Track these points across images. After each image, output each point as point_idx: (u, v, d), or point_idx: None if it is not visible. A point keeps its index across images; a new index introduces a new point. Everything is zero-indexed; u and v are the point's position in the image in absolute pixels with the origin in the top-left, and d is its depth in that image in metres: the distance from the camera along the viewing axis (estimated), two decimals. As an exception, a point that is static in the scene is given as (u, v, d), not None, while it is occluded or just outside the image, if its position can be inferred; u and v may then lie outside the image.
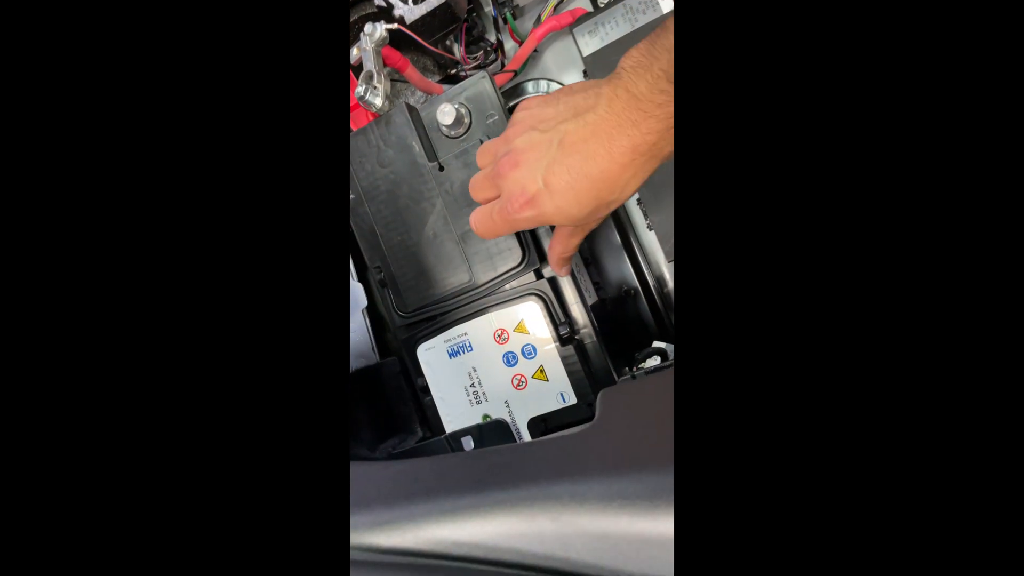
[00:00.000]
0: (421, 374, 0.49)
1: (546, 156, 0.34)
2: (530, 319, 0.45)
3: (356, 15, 0.58)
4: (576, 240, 0.41)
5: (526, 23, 0.63)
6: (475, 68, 0.61)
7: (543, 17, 0.61)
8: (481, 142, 0.45)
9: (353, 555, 0.21)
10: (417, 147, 0.46)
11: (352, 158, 0.48)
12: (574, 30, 0.59)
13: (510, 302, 0.46)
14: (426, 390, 0.49)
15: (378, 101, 0.47)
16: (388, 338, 0.56)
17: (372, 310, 0.55)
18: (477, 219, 0.38)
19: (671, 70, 0.29)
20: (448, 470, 0.26)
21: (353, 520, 0.23)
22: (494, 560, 0.20)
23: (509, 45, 0.63)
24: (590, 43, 0.60)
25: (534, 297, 0.45)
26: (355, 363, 0.53)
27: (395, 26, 0.49)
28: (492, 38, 0.63)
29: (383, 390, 0.52)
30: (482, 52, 0.62)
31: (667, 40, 0.30)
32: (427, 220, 0.47)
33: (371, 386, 0.52)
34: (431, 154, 0.47)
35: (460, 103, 0.46)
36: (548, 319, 0.45)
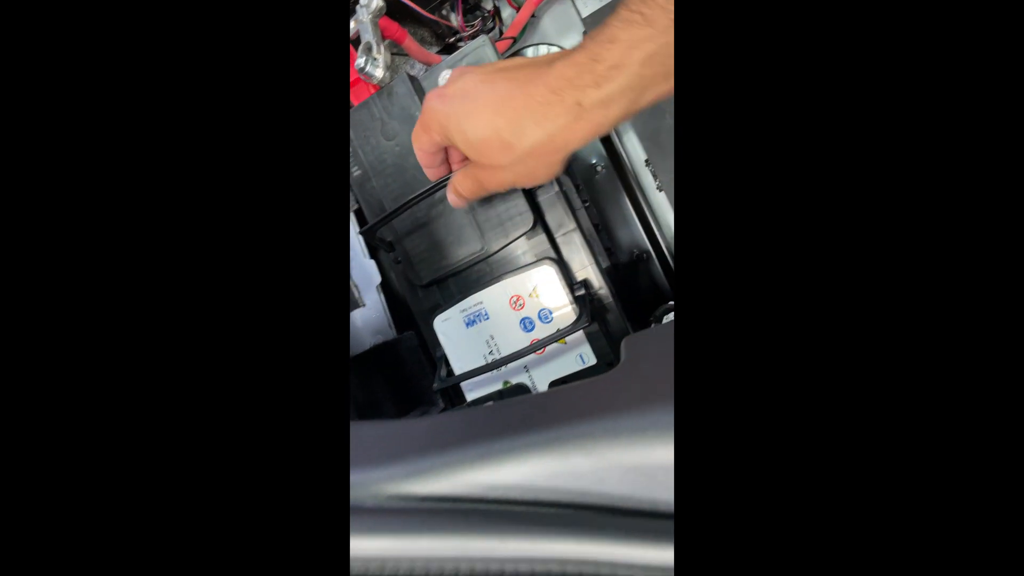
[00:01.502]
0: (439, 345, 0.49)
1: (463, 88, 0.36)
2: (544, 284, 0.45)
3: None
4: (470, 183, 0.39)
5: (522, -10, 0.62)
6: (473, 36, 0.61)
7: (539, -19, 0.60)
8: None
9: (390, 503, 0.22)
10: (421, 117, 0.46)
11: (355, 132, 0.48)
12: (572, -8, 0.58)
13: (524, 268, 0.46)
14: (444, 360, 0.49)
15: (379, 72, 0.46)
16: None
17: (386, 286, 0.55)
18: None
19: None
20: (480, 420, 0.26)
21: (388, 471, 0.23)
22: (531, 500, 0.20)
23: (507, 12, 0.62)
24: (588, 3, 0.59)
25: (548, 262, 0.45)
26: (372, 339, 0.54)
27: (392, -4, 0.49)
28: (489, 5, 0.62)
29: (402, 364, 0.53)
30: (480, 20, 0.61)
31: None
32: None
33: (390, 361, 0.52)
34: (436, 124, 0.46)
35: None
36: (563, 282, 0.45)
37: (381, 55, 0.47)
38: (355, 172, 0.48)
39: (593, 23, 0.56)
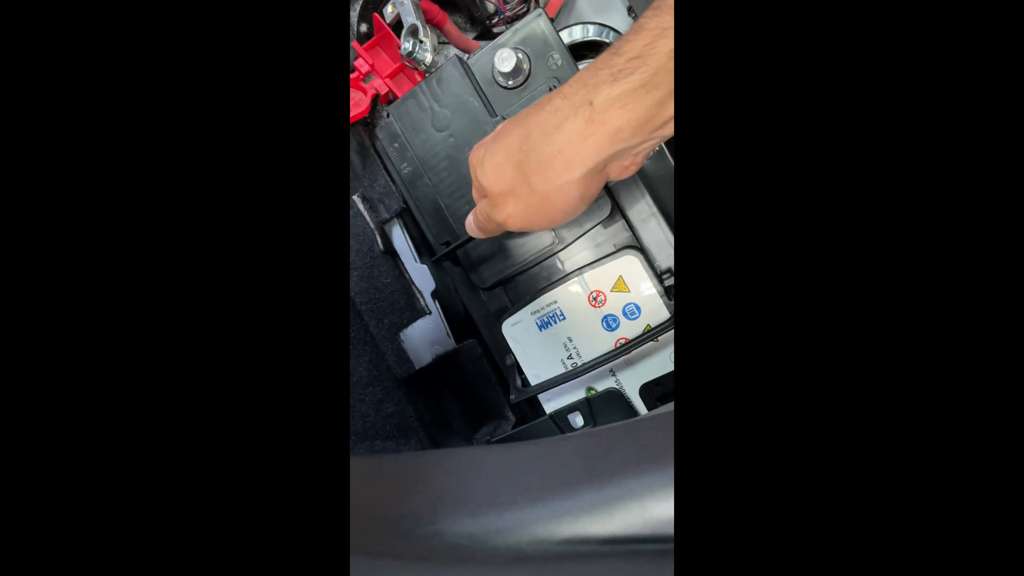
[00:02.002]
0: (509, 351, 0.45)
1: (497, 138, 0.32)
2: (629, 276, 0.41)
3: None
4: (481, 209, 0.35)
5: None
6: (512, 20, 0.57)
7: (573, -44, 0.56)
8: (551, 89, 0.40)
9: (565, 549, 0.17)
10: (477, 103, 0.42)
11: (402, 125, 0.43)
12: (612, -37, 0.54)
13: (604, 260, 0.41)
14: (517, 368, 0.45)
15: (429, 56, 0.42)
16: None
17: (441, 293, 0.50)
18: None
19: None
20: (621, 439, 0.22)
21: (541, 510, 0.19)
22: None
23: (542, -8, 0.58)
24: (632, -25, 0.55)
25: (631, 251, 0.41)
26: (431, 350, 0.49)
27: (434, -26, 0.44)
28: (523, -13, 0.58)
29: (465, 376, 0.48)
30: (518, 1, 0.57)
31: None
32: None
33: (453, 373, 0.48)
34: (492, 109, 0.42)
35: (516, 47, 0.41)
36: (650, 272, 0.40)
37: (428, 38, 0.42)
38: (405, 169, 0.44)
39: (638, -1, 0.52)
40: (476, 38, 0.59)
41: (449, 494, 0.23)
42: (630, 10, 0.55)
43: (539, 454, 0.25)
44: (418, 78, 0.46)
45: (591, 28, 0.57)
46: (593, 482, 0.20)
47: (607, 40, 0.55)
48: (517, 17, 0.57)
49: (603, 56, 0.27)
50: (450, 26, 0.50)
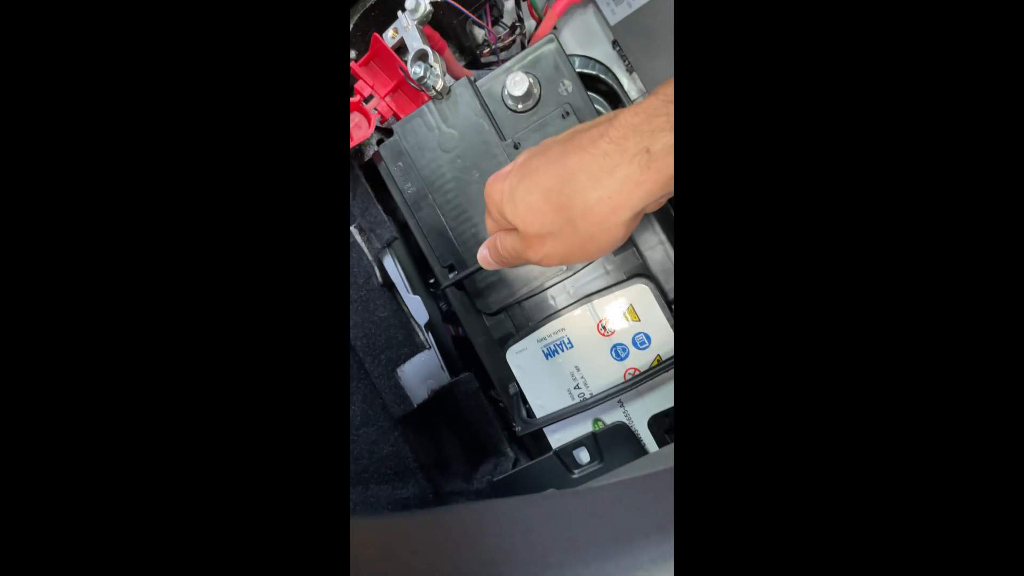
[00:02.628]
0: (513, 380, 0.43)
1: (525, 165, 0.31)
2: (640, 304, 0.40)
3: None
4: (506, 245, 0.34)
5: (539, 1, 0.59)
6: (503, 48, 0.57)
7: (558, -10, 0.57)
8: (565, 115, 0.40)
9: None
10: (487, 125, 0.41)
11: (408, 144, 0.42)
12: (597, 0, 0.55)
13: (613, 288, 0.41)
14: (522, 398, 0.43)
15: (440, 82, 0.41)
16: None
17: (435, 323, 0.48)
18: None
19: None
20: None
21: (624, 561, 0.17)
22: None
23: (529, 24, 0.59)
24: (617, 11, 0.57)
25: (642, 278, 0.40)
26: (425, 385, 0.46)
27: (441, 0, 0.44)
28: (509, 18, 0.59)
29: (462, 412, 0.46)
30: (505, 33, 0.57)
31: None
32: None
33: (449, 409, 0.45)
34: (501, 133, 0.41)
35: (528, 71, 0.41)
36: (661, 300, 0.40)
37: (438, 63, 0.41)
38: (409, 189, 0.42)
39: (624, 30, 0.53)
40: (466, 66, 0.59)
41: (494, 558, 0.21)
42: (615, 44, 0.57)
43: (583, 505, 0.24)
44: (418, 96, 0.45)
45: (576, 60, 0.58)
46: (650, 536, 0.19)
47: (591, 72, 0.56)
48: (505, 48, 0.58)
49: (654, 102, 0.27)
50: (448, 53, 0.50)
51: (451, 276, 0.42)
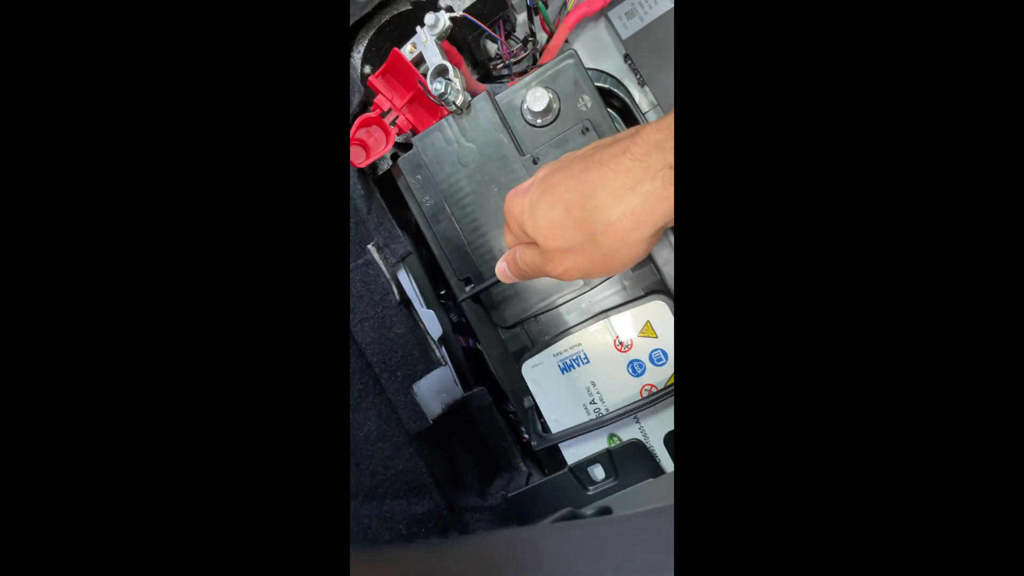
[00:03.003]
0: (528, 393, 0.43)
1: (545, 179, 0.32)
2: (657, 320, 0.40)
3: (389, 14, 0.52)
4: (526, 259, 0.33)
5: (551, 14, 0.59)
6: (516, 63, 0.57)
7: (569, 5, 0.58)
8: (585, 131, 0.40)
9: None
10: (506, 140, 0.41)
11: (427, 158, 0.42)
12: (609, 13, 0.56)
13: (631, 304, 0.41)
14: (537, 412, 0.43)
15: (460, 97, 0.41)
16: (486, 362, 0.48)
17: (447, 337, 0.48)
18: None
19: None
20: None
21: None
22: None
23: (540, 38, 0.59)
24: (629, 25, 0.57)
25: (659, 295, 0.40)
26: (438, 399, 0.46)
27: (460, 15, 0.44)
28: (521, 32, 0.59)
29: (475, 426, 0.45)
30: (519, 48, 0.58)
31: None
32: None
33: (463, 424, 0.45)
34: (520, 147, 0.41)
35: (548, 86, 0.41)
36: (679, 316, 0.40)
37: (458, 78, 0.41)
38: (427, 202, 0.42)
39: (636, 45, 0.54)
40: (478, 80, 0.59)
41: None
42: (626, 57, 0.57)
43: (620, 535, 0.23)
44: (435, 108, 0.45)
45: (588, 74, 0.58)
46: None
47: (604, 85, 0.56)
48: (517, 61, 0.58)
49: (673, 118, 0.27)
50: (464, 68, 0.50)
51: (468, 289, 0.42)
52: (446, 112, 0.43)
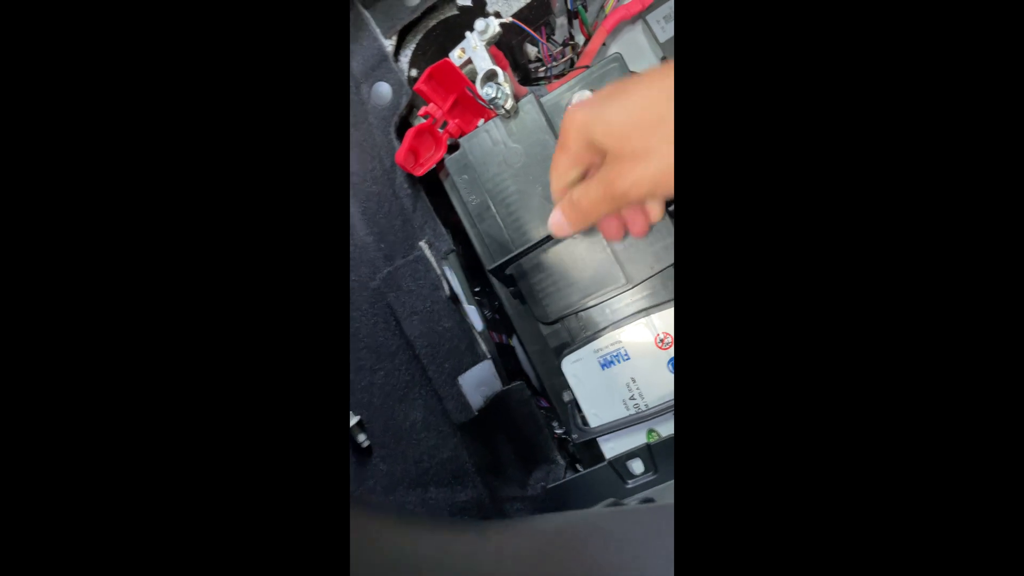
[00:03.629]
0: (567, 388, 0.44)
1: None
2: (697, 317, 0.41)
3: (436, 19, 0.53)
4: (589, 193, 0.31)
5: (589, 16, 0.60)
6: (551, 67, 0.58)
7: (607, 8, 0.59)
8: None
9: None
10: (552, 141, 0.42)
11: (474, 158, 0.43)
12: (647, 16, 0.56)
13: (672, 302, 0.42)
14: (576, 406, 0.44)
15: (510, 101, 0.42)
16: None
17: (485, 331, 0.49)
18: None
19: None
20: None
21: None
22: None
23: (578, 40, 0.60)
24: (667, 28, 0.58)
25: (700, 292, 0.41)
26: (478, 392, 0.47)
27: (509, 20, 0.45)
28: (560, 35, 0.60)
29: (514, 419, 0.46)
30: (558, 51, 0.59)
31: None
32: (566, 220, 0.42)
33: (503, 417, 0.46)
34: (564, 148, 0.42)
35: (595, 89, 0.42)
36: (719, 315, 0.41)
37: (507, 83, 0.43)
38: (473, 202, 0.43)
39: (671, 48, 0.54)
40: (519, 83, 0.60)
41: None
42: (663, 60, 0.58)
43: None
44: (479, 109, 0.46)
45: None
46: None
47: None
48: (556, 64, 0.59)
49: None
50: (509, 72, 0.51)
51: (505, 266, 0.42)
52: (490, 113, 0.45)
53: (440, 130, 0.46)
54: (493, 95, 0.41)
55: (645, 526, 0.22)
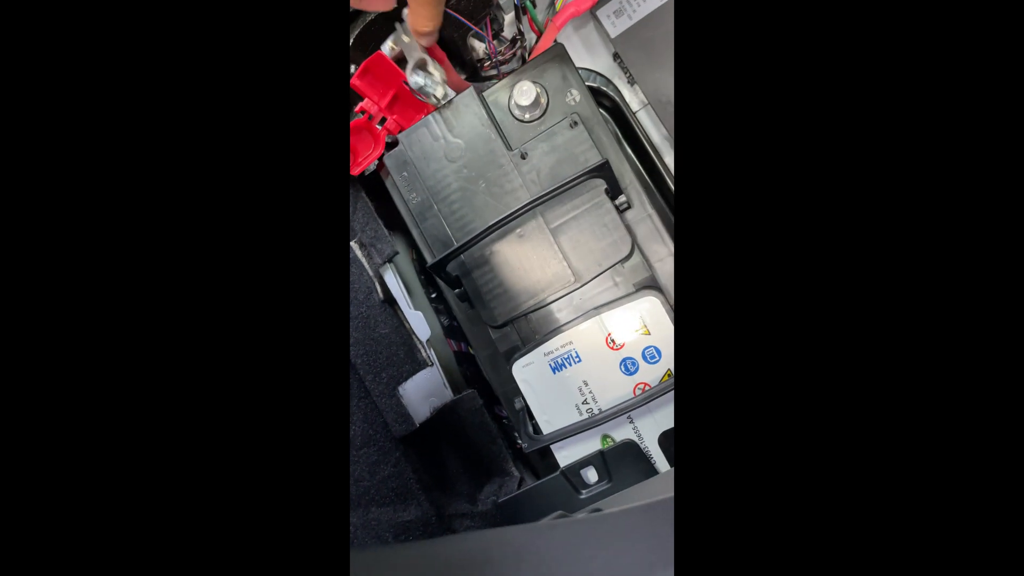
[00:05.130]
0: (518, 394, 0.41)
1: None
2: (650, 317, 0.39)
3: (374, 14, 0.51)
4: None
5: (540, 14, 0.59)
6: (503, 63, 0.56)
7: (558, 4, 0.57)
8: (574, 125, 0.39)
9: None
10: (494, 135, 0.40)
11: (413, 154, 0.41)
12: (597, 12, 0.55)
13: (622, 300, 0.40)
14: (528, 413, 0.41)
15: (440, 90, 0.40)
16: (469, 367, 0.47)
17: (436, 339, 0.47)
18: None
19: None
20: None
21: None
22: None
23: (529, 38, 0.59)
24: (617, 23, 0.57)
25: (652, 291, 0.40)
26: (427, 403, 0.45)
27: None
28: (510, 32, 0.59)
29: (465, 430, 0.44)
30: (505, 46, 0.57)
31: None
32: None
33: (453, 428, 0.43)
34: (508, 143, 0.40)
35: (535, 81, 0.40)
36: (672, 314, 0.39)
37: (437, 71, 0.41)
38: (414, 200, 0.41)
39: (625, 43, 0.53)
40: (466, 80, 0.58)
41: None
42: (616, 56, 0.57)
43: (595, 534, 0.22)
44: (420, 106, 0.44)
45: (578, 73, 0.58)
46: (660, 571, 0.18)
47: (593, 84, 0.56)
48: (505, 61, 0.57)
49: None
50: (448, 65, 0.49)
51: (452, 269, 0.40)
52: (431, 109, 0.43)
53: (379, 127, 0.43)
54: (421, 83, 0.39)
55: (569, 539, 0.20)
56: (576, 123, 0.39)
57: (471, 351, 0.49)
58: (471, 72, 0.58)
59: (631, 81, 0.54)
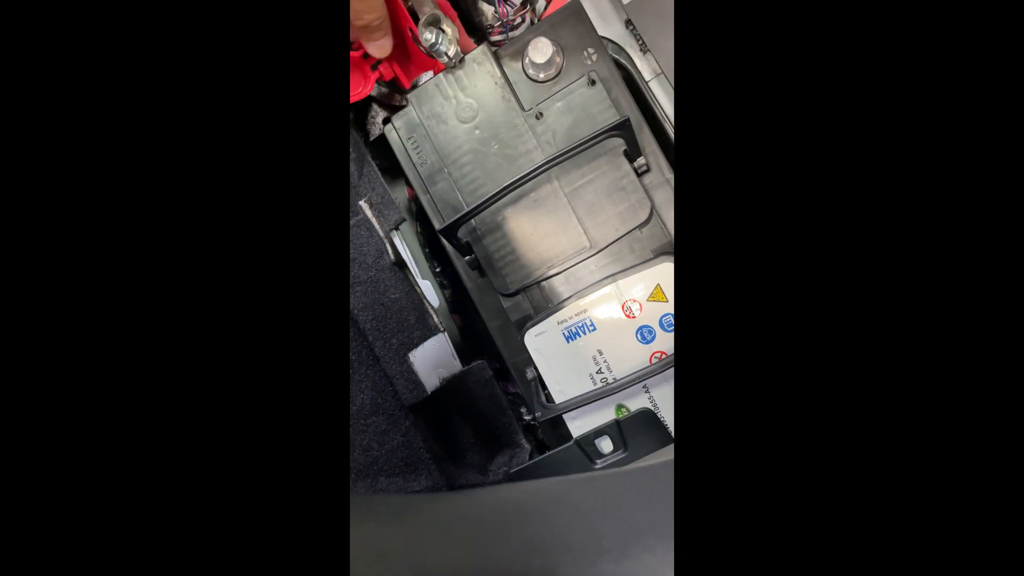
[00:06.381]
0: (530, 364, 0.40)
1: None
2: (668, 284, 0.38)
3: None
4: None
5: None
6: (513, 27, 0.55)
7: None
8: (592, 83, 0.38)
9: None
10: (508, 94, 0.39)
11: (422, 114, 0.39)
12: (607, -24, 0.53)
13: (639, 267, 0.39)
14: (540, 383, 0.40)
15: (452, 48, 0.38)
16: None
17: (444, 308, 0.45)
18: None
19: None
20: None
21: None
22: None
23: (539, 4, 0.57)
24: (628, -12, 0.55)
25: (668, 257, 0.38)
26: (436, 374, 0.44)
27: (456, -36, 0.41)
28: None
29: (475, 401, 0.43)
30: (515, 9, 0.55)
31: None
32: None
33: (462, 399, 0.42)
34: (521, 103, 0.39)
35: (550, 38, 0.39)
36: (690, 279, 0.38)
37: (450, 28, 0.39)
38: (423, 163, 0.39)
39: (637, 10, 0.51)
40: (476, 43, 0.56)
41: (544, 544, 0.19)
42: (628, 23, 0.55)
43: (633, 485, 0.22)
44: (425, 62, 0.42)
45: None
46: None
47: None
48: (515, 27, 0.56)
49: None
50: (458, 22, 0.47)
51: (462, 235, 0.38)
52: (433, 65, 0.41)
53: (372, 69, 0.41)
54: (433, 40, 0.37)
55: (607, 492, 0.19)
56: (594, 81, 0.38)
57: (480, 324, 0.48)
58: (479, 37, 0.56)
59: (644, 49, 0.52)
